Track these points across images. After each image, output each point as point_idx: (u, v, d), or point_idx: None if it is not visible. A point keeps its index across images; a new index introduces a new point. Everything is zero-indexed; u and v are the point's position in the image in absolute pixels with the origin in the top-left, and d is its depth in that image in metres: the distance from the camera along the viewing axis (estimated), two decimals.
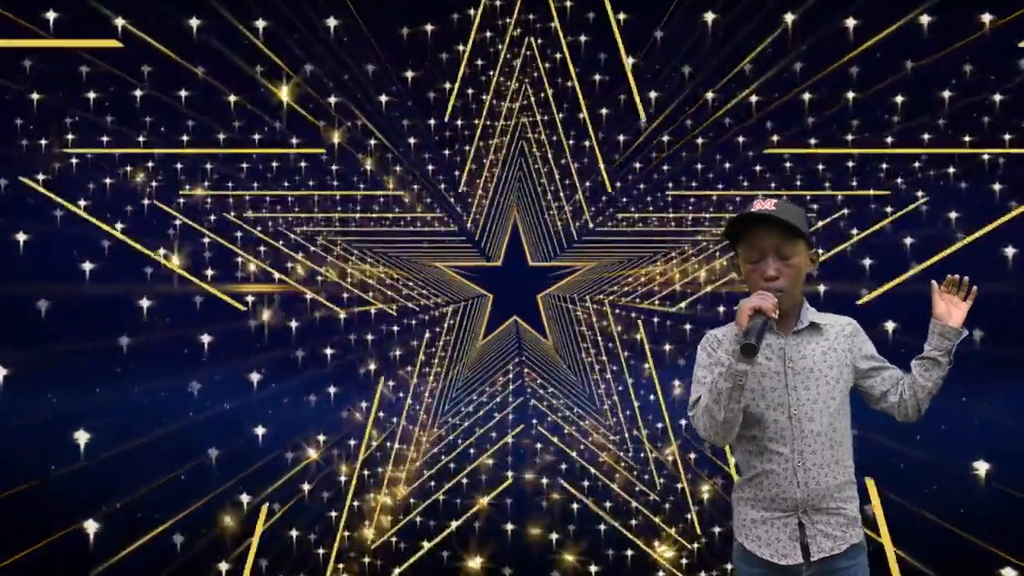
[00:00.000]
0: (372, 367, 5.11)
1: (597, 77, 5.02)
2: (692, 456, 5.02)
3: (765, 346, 2.40)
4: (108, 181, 4.90)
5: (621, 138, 5.05)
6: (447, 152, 5.13)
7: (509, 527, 4.98)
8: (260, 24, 4.66)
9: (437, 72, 4.99)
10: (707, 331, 2.51)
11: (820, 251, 2.43)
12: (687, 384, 2.47)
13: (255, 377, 4.91)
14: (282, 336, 4.99)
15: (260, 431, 4.91)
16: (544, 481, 5.09)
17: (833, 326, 2.47)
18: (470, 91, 5.06)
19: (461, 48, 4.97)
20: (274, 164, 5.00)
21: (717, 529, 4.84)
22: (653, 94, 4.94)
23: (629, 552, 4.89)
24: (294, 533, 4.84)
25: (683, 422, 5.01)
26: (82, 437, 4.46)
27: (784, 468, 2.38)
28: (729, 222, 2.40)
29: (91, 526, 4.48)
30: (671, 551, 4.86)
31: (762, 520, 2.41)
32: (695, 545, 4.84)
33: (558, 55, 5.03)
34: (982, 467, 4.52)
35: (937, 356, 2.44)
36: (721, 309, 5.05)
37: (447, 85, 4.99)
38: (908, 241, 4.86)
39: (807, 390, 2.39)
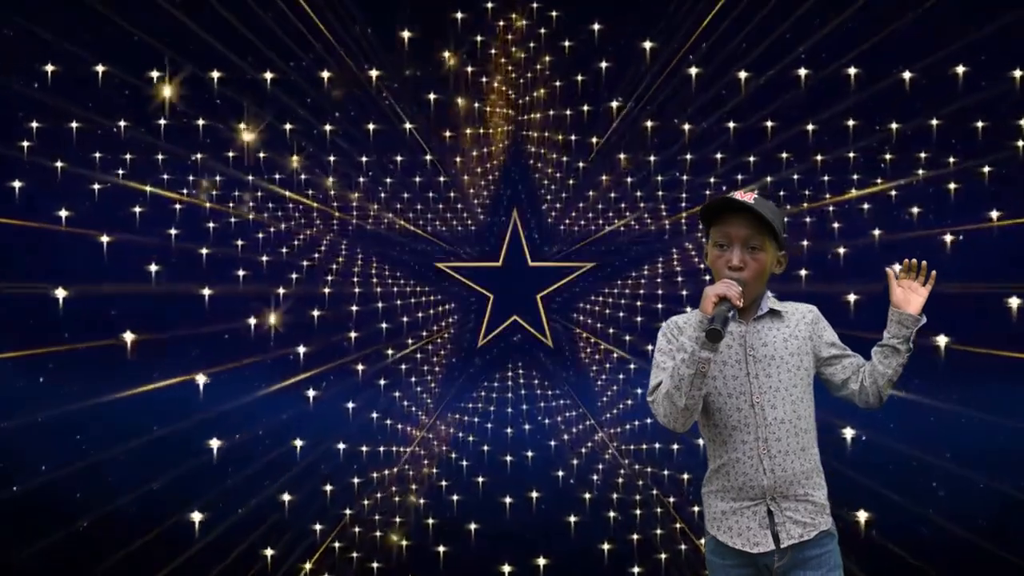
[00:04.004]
0: (369, 368, 5.07)
1: (601, 70, 4.98)
2: (696, 464, 4.93)
3: (726, 333, 2.39)
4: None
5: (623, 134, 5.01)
6: (445, 149, 5.10)
7: (508, 530, 4.93)
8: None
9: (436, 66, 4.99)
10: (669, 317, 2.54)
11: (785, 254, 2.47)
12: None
13: (248, 377, 4.88)
14: (275, 336, 4.96)
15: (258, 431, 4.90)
16: (544, 485, 5.03)
17: (793, 313, 2.48)
18: (469, 86, 5.03)
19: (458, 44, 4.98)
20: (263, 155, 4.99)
21: None
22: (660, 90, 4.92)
23: (631, 561, 4.83)
24: (284, 538, 4.83)
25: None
26: None
27: (749, 456, 2.38)
28: (705, 205, 2.42)
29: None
30: (672, 560, 4.79)
31: (732, 511, 2.41)
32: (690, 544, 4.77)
33: (561, 46, 5.01)
34: None
35: (896, 344, 2.43)
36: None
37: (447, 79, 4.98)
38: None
39: (768, 377, 2.40)
